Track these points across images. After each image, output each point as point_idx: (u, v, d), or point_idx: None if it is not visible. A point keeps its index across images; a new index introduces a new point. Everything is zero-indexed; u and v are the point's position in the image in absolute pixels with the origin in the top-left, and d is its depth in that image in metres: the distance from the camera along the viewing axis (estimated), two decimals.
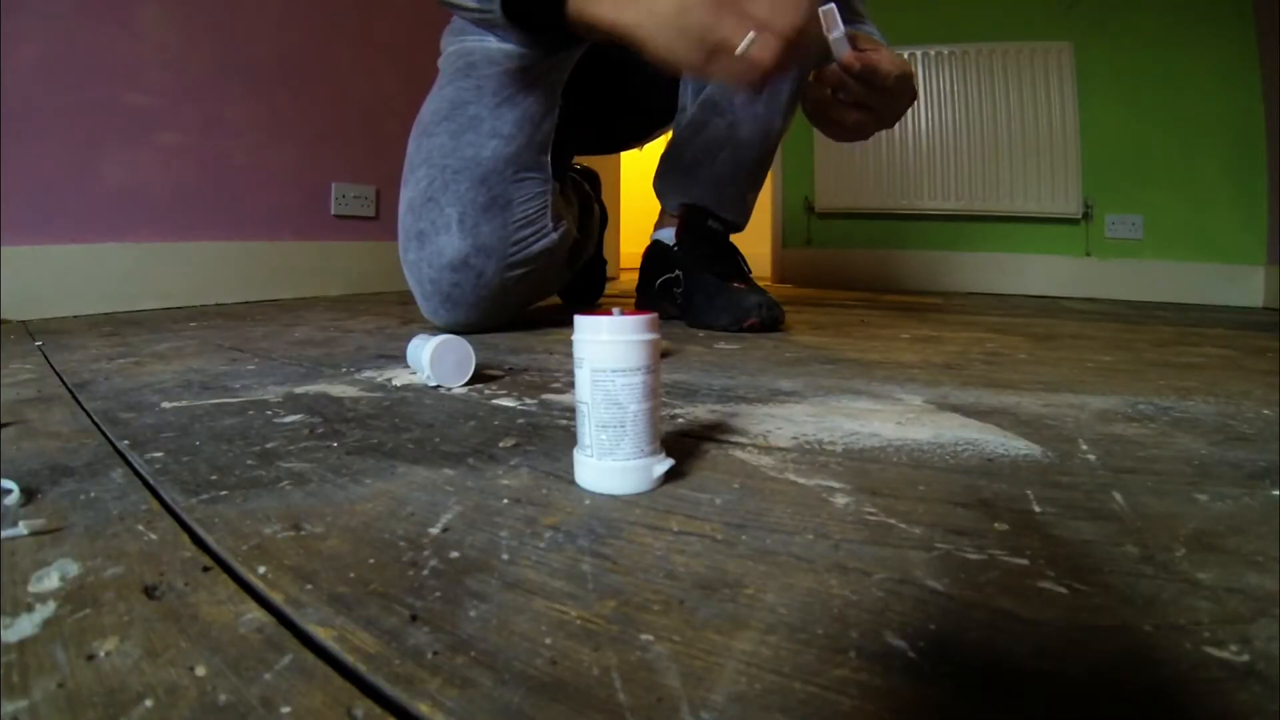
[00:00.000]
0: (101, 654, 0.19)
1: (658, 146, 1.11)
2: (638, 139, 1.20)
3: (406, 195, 0.85)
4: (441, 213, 0.80)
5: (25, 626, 0.20)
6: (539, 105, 0.84)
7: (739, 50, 0.56)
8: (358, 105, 1.61)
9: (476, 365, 0.56)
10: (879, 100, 0.77)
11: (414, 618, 0.21)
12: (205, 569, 0.24)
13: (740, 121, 0.92)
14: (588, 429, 0.32)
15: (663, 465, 0.32)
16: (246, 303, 1.37)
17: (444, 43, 0.94)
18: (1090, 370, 0.65)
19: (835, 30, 0.74)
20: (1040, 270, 1.98)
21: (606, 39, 0.64)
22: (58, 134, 1.15)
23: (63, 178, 1.16)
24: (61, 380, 0.59)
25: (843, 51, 0.75)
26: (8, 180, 1.08)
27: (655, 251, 1.06)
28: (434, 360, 0.54)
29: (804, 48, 0.59)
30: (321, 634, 0.20)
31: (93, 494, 0.32)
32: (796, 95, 0.92)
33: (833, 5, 0.76)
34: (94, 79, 1.19)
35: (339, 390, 0.54)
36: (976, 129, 1.98)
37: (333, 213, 1.59)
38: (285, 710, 0.17)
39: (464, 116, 0.83)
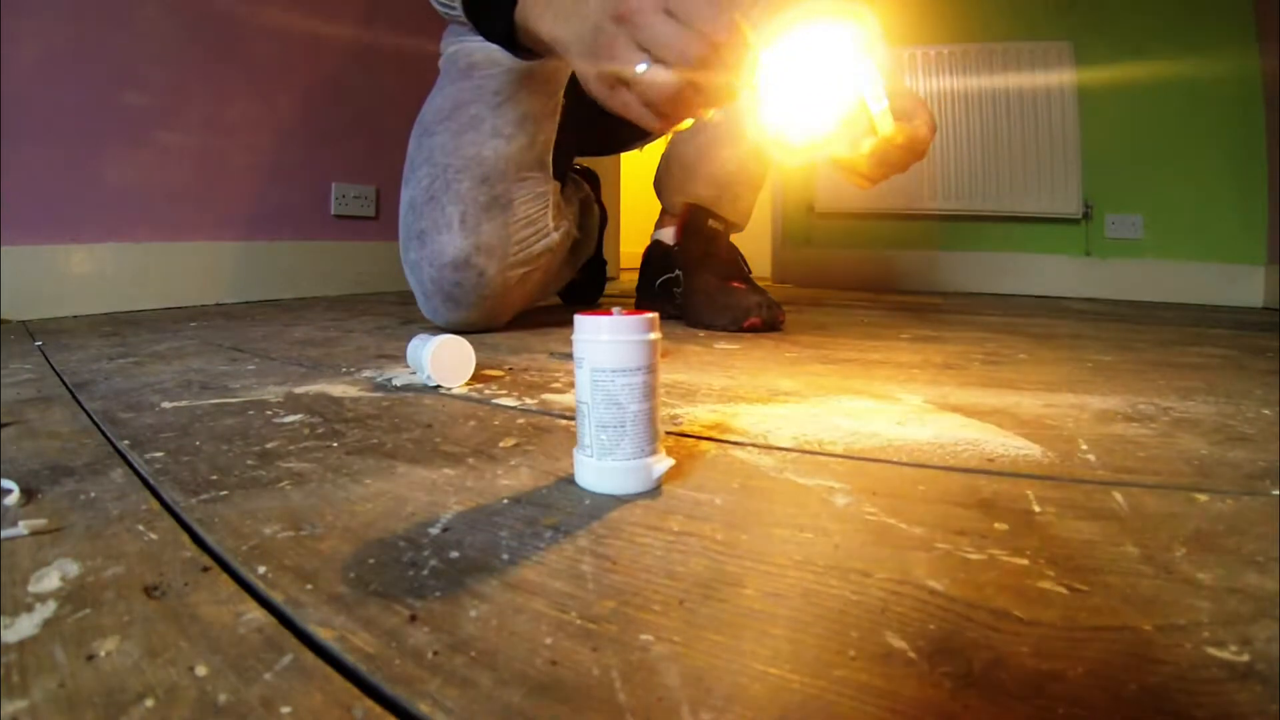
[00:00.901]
0: (101, 654, 0.19)
1: (659, 147, 1.11)
2: (638, 140, 1.20)
3: (407, 194, 0.85)
4: (443, 212, 0.80)
5: (25, 626, 0.20)
6: (540, 105, 0.84)
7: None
8: (358, 105, 1.61)
9: (476, 365, 0.56)
10: (911, 160, 0.79)
11: (414, 618, 0.21)
12: (205, 569, 0.24)
13: (741, 120, 0.92)
14: (588, 429, 0.32)
15: (663, 465, 0.32)
16: (246, 303, 1.37)
17: (444, 44, 0.94)
18: (1090, 370, 0.65)
19: (879, 105, 0.74)
20: (1040, 270, 1.98)
21: (556, 56, 0.58)
22: (58, 134, 1.15)
23: (63, 178, 1.16)
24: (61, 380, 0.59)
25: (887, 126, 0.76)
26: (8, 180, 1.08)
27: (655, 251, 1.06)
28: (434, 360, 0.54)
29: (727, 83, 0.46)
30: (321, 634, 0.20)
31: (93, 494, 0.32)
32: None
33: (872, 64, 0.75)
34: (94, 79, 1.19)
35: (339, 390, 0.54)
36: (976, 129, 1.98)
37: (333, 213, 1.58)
38: (285, 710, 0.17)
39: (465, 116, 0.83)
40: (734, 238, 1.03)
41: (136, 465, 0.36)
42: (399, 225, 0.86)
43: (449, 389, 0.54)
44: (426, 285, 0.84)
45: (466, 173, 0.81)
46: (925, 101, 0.82)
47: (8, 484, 0.31)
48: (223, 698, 0.17)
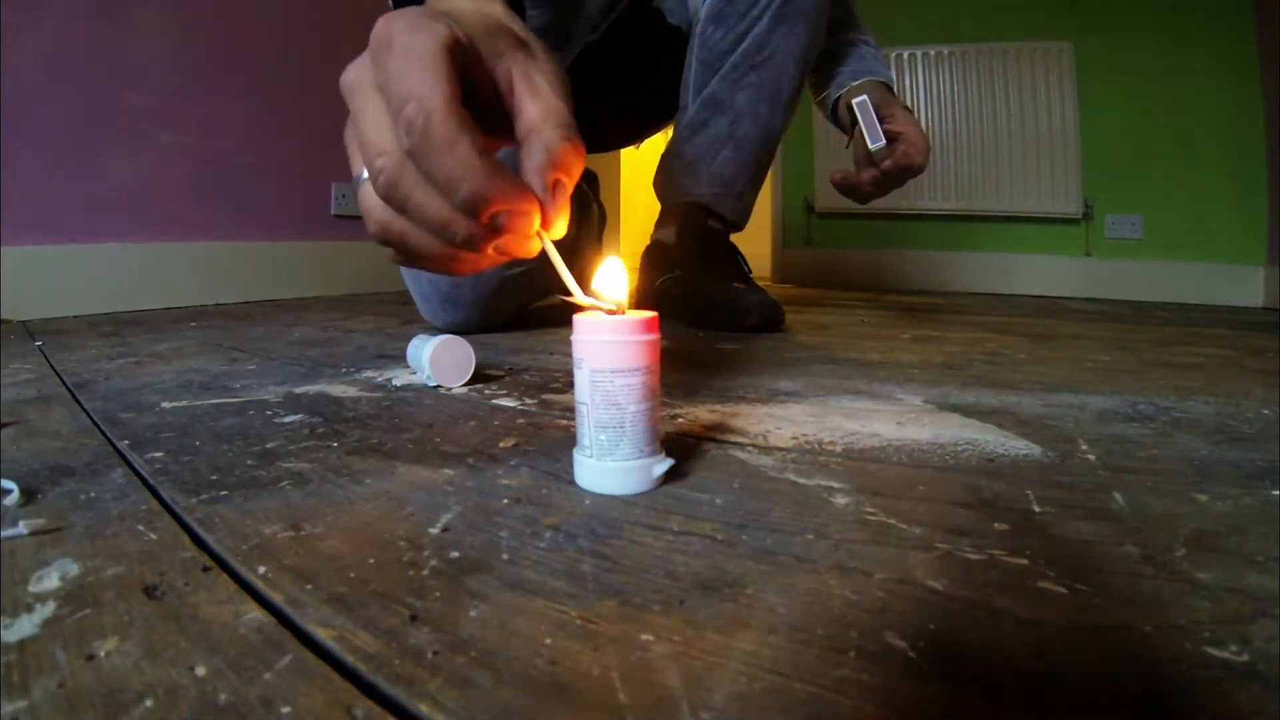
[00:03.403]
0: (101, 654, 0.19)
1: (657, 146, 1.11)
2: (635, 137, 1.20)
3: None
4: None
5: (25, 626, 0.20)
6: None
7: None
8: None
9: (476, 365, 0.56)
10: (906, 179, 0.86)
11: (414, 618, 0.21)
12: (205, 569, 0.24)
13: (742, 119, 0.93)
14: (587, 429, 0.32)
15: (663, 465, 0.32)
16: (246, 303, 1.36)
17: None
18: (1090, 370, 0.65)
19: (876, 141, 0.79)
20: (1040, 270, 1.98)
21: None
22: (58, 134, 1.15)
23: (63, 178, 1.16)
24: (61, 380, 0.59)
25: (883, 158, 0.81)
26: (8, 180, 1.08)
27: (655, 251, 1.06)
28: (434, 360, 0.54)
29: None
30: (321, 634, 0.20)
31: (93, 494, 0.32)
32: (798, 95, 0.93)
33: (866, 98, 0.81)
34: (94, 79, 1.19)
35: (339, 390, 0.54)
36: (976, 129, 1.98)
37: (333, 213, 1.58)
38: (285, 710, 0.17)
39: None
40: (734, 237, 1.03)
41: (136, 465, 0.36)
42: None
43: (449, 389, 0.54)
44: (424, 286, 0.84)
45: None
46: (918, 122, 0.86)
47: (8, 484, 0.31)
48: (223, 698, 0.17)
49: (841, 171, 0.89)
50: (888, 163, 0.82)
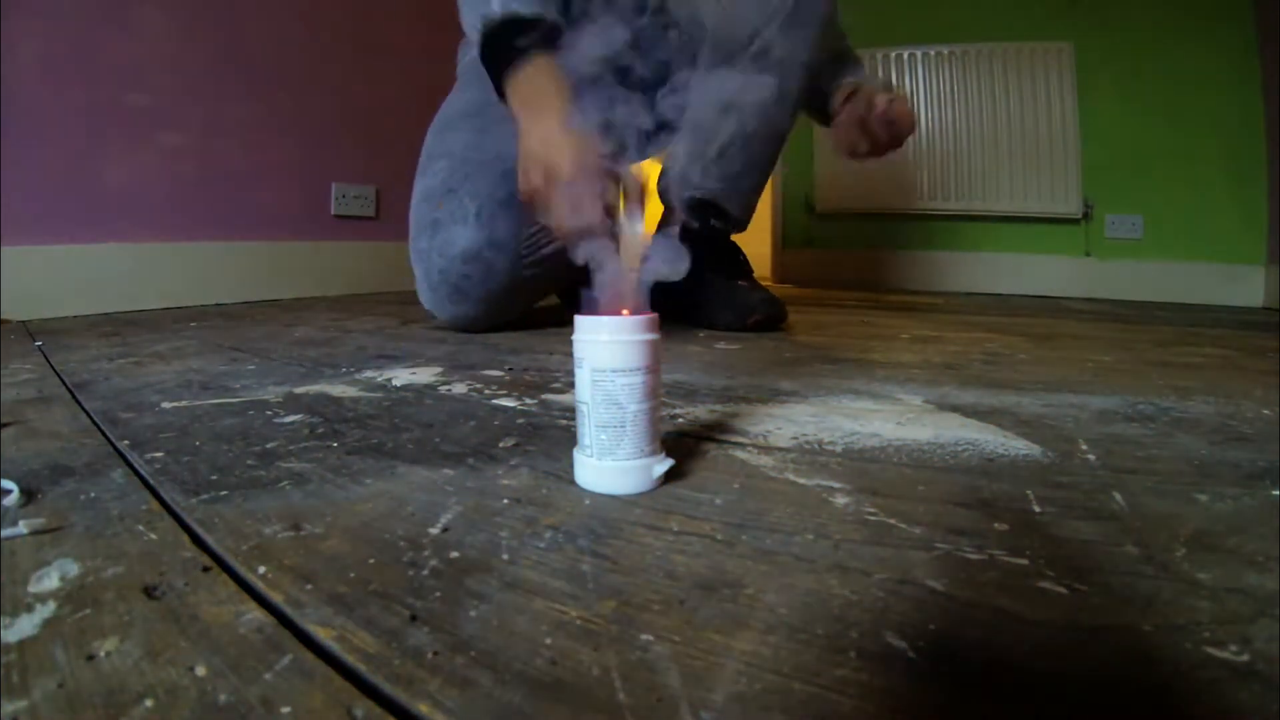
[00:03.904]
0: (101, 654, 0.19)
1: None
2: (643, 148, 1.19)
3: (422, 185, 0.85)
4: (460, 204, 0.81)
5: (25, 626, 0.20)
6: None
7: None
8: (358, 105, 1.61)
9: (476, 365, 0.56)
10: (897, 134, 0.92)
11: (414, 618, 0.21)
12: (205, 569, 0.24)
13: (751, 119, 0.94)
14: (588, 429, 0.32)
15: (663, 465, 0.32)
16: (246, 303, 1.36)
17: (462, 51, 0.98)
18: (1090, 370, 0.65)
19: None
20: (1040, 270, 1.98)
21: None
22: (58, 134, 1.15)
23: (63, 178, 1.16)
24: (61, 380, 0.59)
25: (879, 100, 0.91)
26: (8, 180, 1.08)
27: None
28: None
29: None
30: (321, 634, 0.20)
31: (93, 494, 0.32)
32: (803, 98, 0.94)
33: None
34: (94, 79, 1.19)
35: (339, 390, 0.54)
36: (976, 129, 1.98)
37: (333, 213, 1.58)
38: (285, 710, 0.17)
39: (489, 115, 0.84)
40: (735, 237, 1.03)
41: (136, 465, 0.36)
42: (410, 215, 0.87)
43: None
44: (434, 276, 0.83)
45: (488, 167, 0.81)
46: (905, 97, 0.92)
47: (8, 484, 0.31)
48: (223, 698, 0.17)
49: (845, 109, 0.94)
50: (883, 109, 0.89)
